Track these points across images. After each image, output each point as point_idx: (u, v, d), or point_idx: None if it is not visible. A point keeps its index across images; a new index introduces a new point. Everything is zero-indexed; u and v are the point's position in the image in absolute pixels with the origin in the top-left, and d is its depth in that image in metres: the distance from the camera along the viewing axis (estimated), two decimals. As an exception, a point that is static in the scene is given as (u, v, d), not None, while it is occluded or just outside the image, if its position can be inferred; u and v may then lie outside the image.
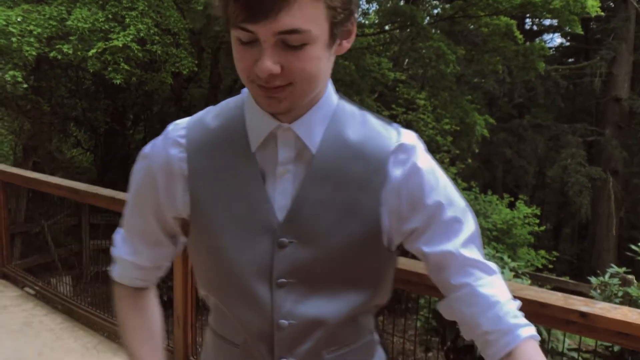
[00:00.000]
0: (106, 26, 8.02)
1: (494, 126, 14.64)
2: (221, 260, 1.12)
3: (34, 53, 7.78)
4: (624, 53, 17.03)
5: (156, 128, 13.30)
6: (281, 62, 0.92)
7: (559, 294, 1.93)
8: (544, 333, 3.82)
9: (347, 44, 1.02)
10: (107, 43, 7.89)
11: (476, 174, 17.79)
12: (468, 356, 4.06)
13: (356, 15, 0.99)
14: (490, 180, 19.27)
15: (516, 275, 4.73)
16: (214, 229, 1.11)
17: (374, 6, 15.53)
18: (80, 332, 4.31)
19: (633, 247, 5.68)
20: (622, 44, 17.00)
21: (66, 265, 8.64)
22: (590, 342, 4.49)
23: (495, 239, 12.49)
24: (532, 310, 1.94)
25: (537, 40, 17.89)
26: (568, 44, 22.06)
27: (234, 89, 12.06)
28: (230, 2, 0.89)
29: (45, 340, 4.18)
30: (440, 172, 1.13)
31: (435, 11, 15.11)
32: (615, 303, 4.51)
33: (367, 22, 14.90)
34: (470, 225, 1.13)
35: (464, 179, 13.87)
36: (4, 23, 7.67)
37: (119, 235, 1.28)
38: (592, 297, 4.90)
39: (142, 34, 8.10)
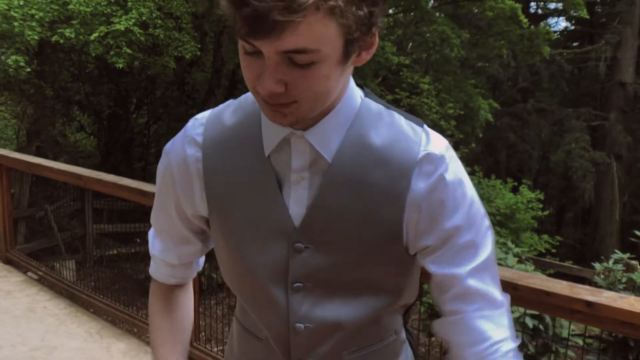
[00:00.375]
0: (108, 10, 7.97)
1: (498, 110, 14.59)
2: (239, 261, 1.11)
3: (36, 37, 7.74)
4: (629, 37, 16.94)
5: (159, 112, 13.32)
6: (286, 80, 0.85)
7: (565, 283, 1.92)
8: (547, 318, 3.83)
9: (366, 56, 0.93)
10: (109, 27, 7.84)
11: (480, 158, 17.79)
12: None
13: (380, 25, 0.89)
14: (493, 165, 19.27)
15: (520, 261, 4.73)
16: (231, 229, 1.09)
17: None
18: (83, 317, 4.32)
19: (637, 232, 5.68)
20: (627, 28, 16.91)
21: (70, 250, 8.65)
22: (595, 328, 4.49)
23: (499, 224, 12.49)
24: (537, 299, 1.93)
25: (542, 24, 17.80)
26: (573, 27, 21.92)
27: (237, 73, 12.03)
28: (236, 13, 0.81)
29: (49, 326, 4.19)
30: (469, 185, 1.06)
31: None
32: (619, 289, 4.52)
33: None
34: (486, 250, 1.05)
35: (468, 164, 13.85)
36: (6, 7, 7.63)
37: (151, 232, 1.28)
38: (595, 283, 4.90)
39: (144, 18, 8.05)
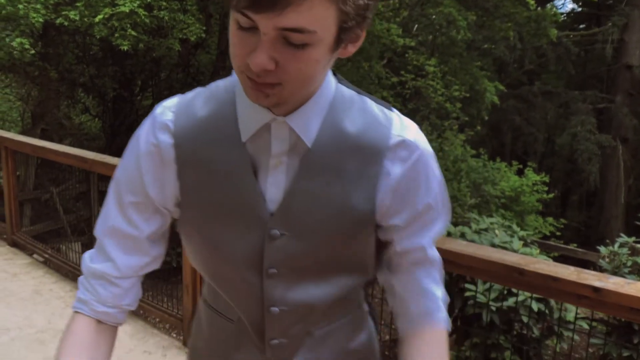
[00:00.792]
0: (113, -8, 7.95)
1: (504, 93, 14.51)
2: (212, 249, 1.10)
3: (40, 20, 7.72)
4: (637, 19, 16.80)
5: (164, 94, 13.26)
6: (277, 58, 0.85)
7: (572, 268, 1.91)
8: (552, 302, 3.82)
9: (352, 48, 0.95)
10: (113, 9, 7.80)
11: (485, 141, 17.75)
12: (476, 324, 4.06)
13: (369, 21, 0.90)
14: (499, 147, 19.23)
15: (525, 244, 4.71)
16: (204, 218, 1.08)
17: (383, -29, 15.31)
18: (90, 300, 4.33)
19: (643, 216, 5.66)
20: (635, 11, 16.77)
21: (75, 232, 8.68)
22: (600, 312, 4.49)
23: (504, 207, 12.51)
24: (543, 284, 1.92)
25: (549, 5, 17.64)
26: (580, 9, 21.77)
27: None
28: None
29: (55, 308, 4.21)
30: (436, 166, 1.11)
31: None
32: (624, 272, 4.51)
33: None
34: (444, 219, 1.15)
35: (473, 146, 13.83)
36: (10, -11, 7.62)
37: (87, 254, 1.16)
38: (600, 266, 4.90)
39: (149, 0, 8.02)
